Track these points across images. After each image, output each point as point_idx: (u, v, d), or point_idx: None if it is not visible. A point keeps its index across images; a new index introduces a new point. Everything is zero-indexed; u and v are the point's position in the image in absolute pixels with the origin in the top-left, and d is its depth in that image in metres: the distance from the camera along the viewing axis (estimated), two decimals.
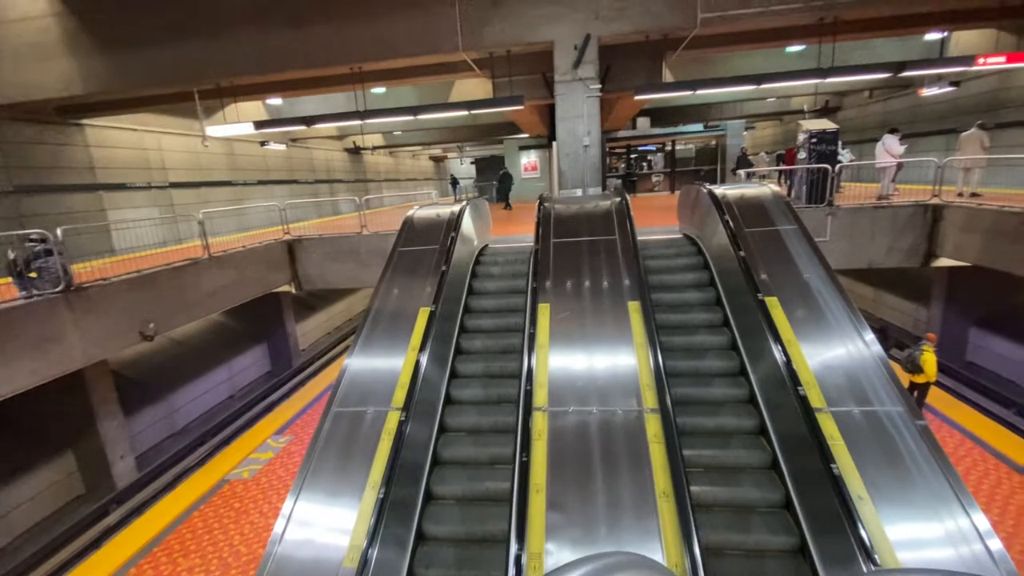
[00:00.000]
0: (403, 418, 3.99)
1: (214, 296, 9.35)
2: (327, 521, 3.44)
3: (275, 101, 15.96)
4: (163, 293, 8.27)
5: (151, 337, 7.86)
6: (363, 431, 3.95)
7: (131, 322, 7.65)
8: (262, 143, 16.91)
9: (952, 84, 12.18)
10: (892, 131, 11.17)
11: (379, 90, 15.29)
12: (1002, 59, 8.99)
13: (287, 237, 11.29)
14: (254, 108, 15.44)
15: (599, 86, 9.36)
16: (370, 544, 3.22)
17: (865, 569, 2.77)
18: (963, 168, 10.20)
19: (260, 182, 17.67)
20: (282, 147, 17.94)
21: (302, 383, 12.24)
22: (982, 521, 2.85)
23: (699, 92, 10.38)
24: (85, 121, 11.75)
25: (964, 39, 13.15)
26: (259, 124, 11.23)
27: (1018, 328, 10.26)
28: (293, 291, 11.72)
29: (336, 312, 18.14)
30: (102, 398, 8.61)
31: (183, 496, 7.35)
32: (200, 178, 14.89)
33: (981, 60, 8.94)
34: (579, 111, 9.47)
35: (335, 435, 3.96)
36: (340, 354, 14.67)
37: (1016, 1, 8.65)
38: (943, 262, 9.52)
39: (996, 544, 2.76)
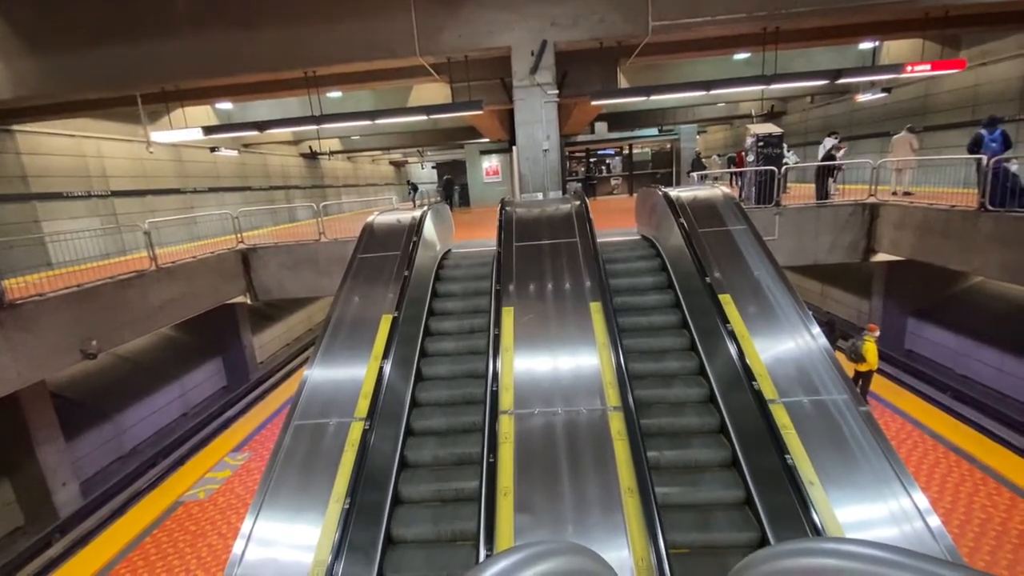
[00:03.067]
0: (367, 427, 3.92)
1: (163, 310, 8.93)
2: (290, 538, 3.33)
3: (225, 105, 15.40)
4: (106, 308, 7.83)
5: (94, 355, 7.44)
6: (325, 443, 3.85)
7: (71, 340, 7.22)
8: (212, 149, 16.28)
9: (884, 90, 13.01)
10: (832, 134, 11.82)
11: (335, 94, 14.98)
12: (927, 67, 9.68)
13: (241, 246, 10.91)
14: (203, 112, 14.83)
15: (556, 91, 9.49)
16: (336, 559, 3.15)
17: None
18: (895, 169, 10.90)
19: (211, 189, 16.99)
20: (234, 153, 17.33)
21: (260, 397, 11.82)
22: (922, 500, 3.03)
23: (653, 97, 10.69)
24: (16, 127, 11.02)
25: (894, 49, 14.08)
26: (208, 129, 10.82)
27: (951, 317, 11.02)
28: (249, 302, 11.33)
29: (296, 322, 17.63)
30: (40, 422, 8.08)
31: (133, 522, 6.96)
32: (145, 186, 14.19)
33: (909, 68, 9.61)
34: (538, 116, 9.57)
35: (296, 449, 3.84)
36: (300, 365, 14.25)
37: (938, 13, 9.32)
38: (881, 257, 10.14)
39: (935, 521, 2.94)
